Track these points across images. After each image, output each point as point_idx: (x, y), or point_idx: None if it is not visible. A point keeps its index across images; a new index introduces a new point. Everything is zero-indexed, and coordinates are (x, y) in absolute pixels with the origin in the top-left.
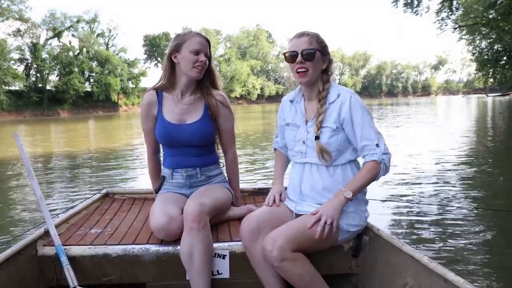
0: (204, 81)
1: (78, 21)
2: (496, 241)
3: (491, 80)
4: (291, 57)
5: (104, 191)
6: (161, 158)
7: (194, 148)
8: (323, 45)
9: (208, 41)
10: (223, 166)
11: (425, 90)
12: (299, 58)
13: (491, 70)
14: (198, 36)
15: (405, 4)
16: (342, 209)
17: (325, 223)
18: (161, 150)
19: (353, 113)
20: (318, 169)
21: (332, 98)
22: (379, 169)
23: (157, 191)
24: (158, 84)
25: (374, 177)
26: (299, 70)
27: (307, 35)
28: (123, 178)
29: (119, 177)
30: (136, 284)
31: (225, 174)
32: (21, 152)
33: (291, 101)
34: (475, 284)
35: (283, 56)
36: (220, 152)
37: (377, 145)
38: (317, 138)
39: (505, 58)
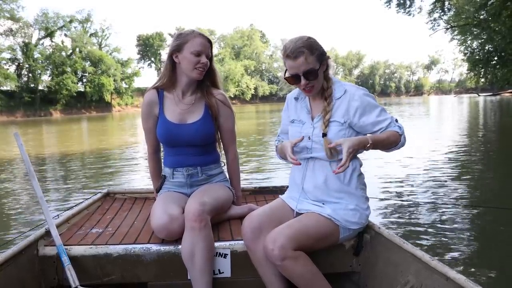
0: (205, 80)
1: (70, 21)
2: (497, 238)
3: (483, 80)
4: (293, 79)
5: (105, 190)
6: (162, 158)
7: (195, 147)
8: (319, 53)
9: (210, 42)
10: (224, 165)
11: (417, 89)
12: (303, 81)
13: (483, 70)
14: (200, 37)
15: (398, 5)
16: (361, 147)
17: (348, 149)
18: (162, 149)
19: (366, 107)
20: (322, 165)
21: (338, 94)
22: (399, 139)
23: (158, 190)
24: (158, 82)
25: (394, 143)
26: (305, 88)
27: (302, 54)
28: (122, 178)
29: (118, 177)
30: (138, 284)
31: (226, 173)
32: (21, 152)
33: (296, 98)
34: (477, 282)
35: (276, 56)
36: (220, 151)
37: (396, 120)
38: (324, 135)
39: (496, 58)
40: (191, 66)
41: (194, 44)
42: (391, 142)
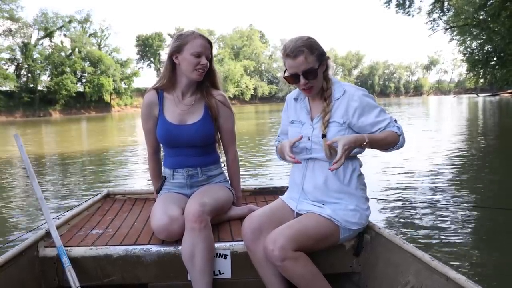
0: (205, 81)
1: (70, 21)
2: (496, 238)
3: (482, 80)
4: (293, 78)
5: (105, 191)
6: (162, 158)
7: (195, 148)
8: (318, 53)
9: (210, 43)
10: (224, 166)
11: (417, 90)
12: (302, 81)
13: (482, 70)
14: (200, 38)
15: (397, 5)
16: (357, 145)
17: (343, 145)
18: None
19: (365, 107)
20: (321, 166)
21: (338, 95)
22: (397, 140)
23: (158, 191)
24: (158, 83)
25: (392, 143)
26: (304, 88)
27: (301, 53)
28: (122, 179)
29: (118, 178)
30: (138, 285)
31: (226, 174)
32: (21, 153)
33: (295, 99)
34: (477, 282)
35: (276, 57)
36: (220, 152)
37: (396, 121)
38: (324, 136)
39: (495, 58)
40: (191, 68)
41: (194, 46)
42: (389, 142)
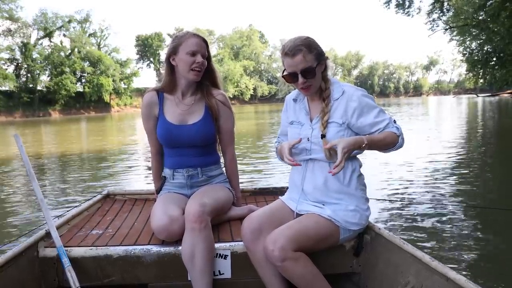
0: (205, 81)
1: (69, 21)
2: (496, 239)
3: (481, 80)
4: (291, 77)
5: (105, 192)
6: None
7: (195, 148)
8: (317, 52)
9: (205, 41)
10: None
11: (416, 90)
12: (300, 79)
13: (481, 70)
14: (194, 37)
15: (397, 5)
16: (356, 147)
17: (342, 149)
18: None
19: (364, 107)
20: (321, 166)
21: (337, 95)
22: (396, 140)
23: (158, 191)
24: (159, 86)
25: (390, 144)
26: (303, 87)
27: (300, 51)
28: (122, 179)
29: (118, 179)
30: (138, 285)
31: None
32: (21, 154)
33: (295, 100)
34: (477, 282)
35: (275, 57)
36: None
37: (395, 121)
38: (323, 136)
39: (494, 58)
40: (187, 67)
41: (188, 44)
42: (388, 143)
